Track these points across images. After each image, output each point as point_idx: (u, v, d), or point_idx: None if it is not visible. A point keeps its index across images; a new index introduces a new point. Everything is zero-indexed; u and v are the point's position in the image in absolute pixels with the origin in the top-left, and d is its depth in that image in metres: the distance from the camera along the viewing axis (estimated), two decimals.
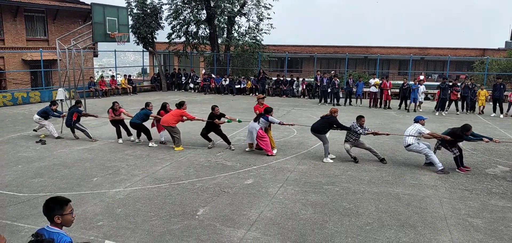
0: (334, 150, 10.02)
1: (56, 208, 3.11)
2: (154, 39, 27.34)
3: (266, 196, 7.07)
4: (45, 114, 11.71)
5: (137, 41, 26.58)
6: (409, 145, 8.94)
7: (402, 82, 19.65)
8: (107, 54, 32.14)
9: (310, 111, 17.99)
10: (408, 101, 18.67)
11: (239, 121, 11.13)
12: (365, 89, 21.97)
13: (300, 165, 9.08)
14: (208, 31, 28.03)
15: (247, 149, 10.42)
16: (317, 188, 7.53)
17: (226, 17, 27.49)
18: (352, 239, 5.50)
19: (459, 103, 18.23)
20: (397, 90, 20.45)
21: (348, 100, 20.63)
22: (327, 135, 9.63)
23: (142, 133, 11.14)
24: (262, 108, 10.63)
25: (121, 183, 7.71)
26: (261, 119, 10.12)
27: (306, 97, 23.71)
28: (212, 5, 26.47)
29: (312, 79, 24.51)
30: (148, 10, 26.02)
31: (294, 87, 24.30)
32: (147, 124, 11.35)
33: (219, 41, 28.72)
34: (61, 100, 15.76)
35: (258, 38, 28.23)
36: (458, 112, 17.85)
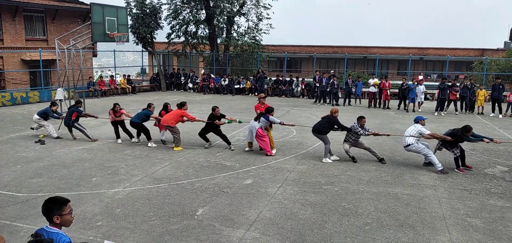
0: (333, 150, 10.01)
1: (55, 208, 3.11)
2: (153, 39, 27.33)
3: (265, 196, 7.07)
4: (45, 115, 11.71)
5: (136, 41, 26.57)
6: (409, 145, 8.95)
7: (401, 82, 19.67)
8: (106, 54, 32.14)
9: (309, 111, 17.99)
10: (407, 101, 18.69)
11: (240, 122, 11.13)
12: (364, 89, 21.98)
13: (299, 165, 9.08)
14: (207, 31, 28.03)
15: (246, 149, 10.42)
16: (316, 188, 7.53)
17: (226, 17, 27.49)
18: (351, 239, 5.51)
19: (458, 103, 18.25)
20: (396, 90, 20.46)
21: (347, 100, 20.64)
22: (328, 135, 9.62)
23: (142, 133, 11.14)
24: (263, 108, 10.63)
25: (120, 183, 7.71)
26: (262, 118, 10.12)
27: (305, 97, 23.71)
28: (211, 5, 26.47)
29: (311, 79, 24.51)
30: (148, 10, 26.01)
31: (293, 87, 24.31)
32: (150, 124, 11.35)
33: (219, 41, 28.72)
34: (60, 100, 15.75)
35: (257, 38, 28.24)
36: (457, 112, 17.87)
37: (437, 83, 23.29)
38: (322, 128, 9.52)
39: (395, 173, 8.61)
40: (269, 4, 27.80)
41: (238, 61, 28.67)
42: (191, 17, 27.35)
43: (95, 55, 27.40)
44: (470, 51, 36.11)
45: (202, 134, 10.62)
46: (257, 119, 10.28)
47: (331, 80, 20.43)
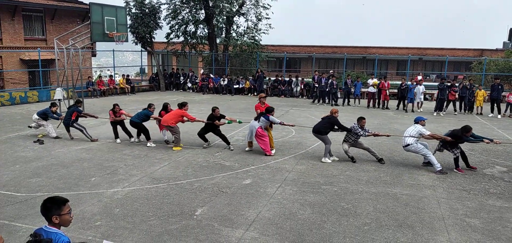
0: (333, 150, 10.01)
1: (54, 208, 3.11)
2: (153, 39, 27.32)
3: (264, 196, 7.07)
4: (44, 116, 11.70)
5: (136, 40, 26.55)
6: (408, 145, 8.96)
7: (400, 82, 19.69)
8: (105, 54, 32.11)
9: (308, 111, 18.00)
10: (406, 102, 18.71)
11: (240, 122, 11.14)
12: (363, 90, 21.99)
13: (299, 165, 9.08)
14: (206, 31, 28.02)
15: (247, 149, 10.42)
16: (315, 188, 7.54)
17: (225, 17, 27.47)
18: (350, 239, 5.51)
19: (457, 103, 18.27)
20: (395, 91, 20.48)
21: (346, 100, 20.65)
22: (328, 135, 9.61)
23: (142, 133, 11.14)
24: (263, 108, 10.63)
25: (119, 183, 7.70)
26: (262, 118, 10.12)
27: (304, 97, 23.71)
28: (210, 5, 26.46)
29: (311, 79, 24.52)
30: (147, 10, 26.00)
31: (293, 86, 24.29)
32: (149, 124, 11.35)
33: (218, 41, 28.71)
34: (59, 99, 15.73)
35: (256, 38, 28.23)
36: (456, 113, 17.90)
37: (436, 83, 23.35)
38: (322, 129, 9.52)
39: (394, 173, 8.61)
40: (268, 4, 27.83)
41: (237, 61, 28.66)
42: (190, 17, 27.33)
43: (94, 55, 27.39)
44: (469, 51, 36.15)
45: (201, 134, 10.62)
46: (257, 119, 10.29)
47: (330, 80, 20.44)
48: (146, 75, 32.82)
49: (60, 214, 3.11)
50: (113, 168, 8.74)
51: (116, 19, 16.26)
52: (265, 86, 24.85)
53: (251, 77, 25.48)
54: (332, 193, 7.31)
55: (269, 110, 10.18)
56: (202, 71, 29.72)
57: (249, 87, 25.16)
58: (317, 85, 21.16)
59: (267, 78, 26.21)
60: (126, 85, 24.93)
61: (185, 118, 10.57)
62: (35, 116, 11.78)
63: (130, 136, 11.35)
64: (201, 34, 28.20)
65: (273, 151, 10.02)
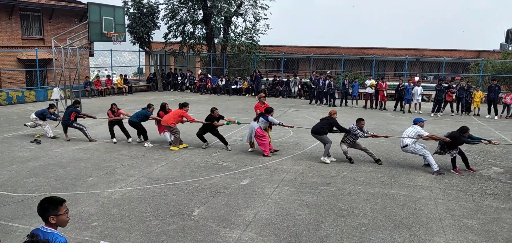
0: (331, 150, 10.02)
1: (50, 208, 3.10)
2: (150, 39, 27.28)
3: (261, 197, 7.08)
4: (42, 116, 11.68)
5: (133, 40, 26.51)
6: (406, 146, 8.98)
7: (397, 83, 19.74)
8: (103, 54, 32.11)
9: (306, 111, 18.01)
10: (403, 102, 18.75)
11: (238, 123, 11.15)
12: (360, 90, 22.03)
13: (296, 166, 9.09)
14: (204, 31, 27.99)
15: (249, 150, 10.40)
16: (313, 189, 7.54)
17: (223, 17, 27.46)
18: (348, 240, 5.52)
19: (454, 104, 18.32)
20: (393, 91, 20.52)
21: (344, 101, 20.68)
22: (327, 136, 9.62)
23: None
24: (263, 108, 10.62)
25: (117, 183, 7.69)
26: (261, 118, 10.11)
27: (302, 97, 23.71)
28: (208, 5, 26.45)
29: (308, 80, 24.53)
30: (145, 10, 25.96)
31: (291, 85, 24.26)
32: (148, 124, 11.34)
33: (216, 41, 28.69)
34: (56, 99, 15.70)
35: (254, 38, 28.23)
36: (453, 114, 17.95)
37: (433, 85, 23.40)
38: (321, 130, 9.53)
39: (392, 174, 8.63)
40: (266, 5, 27.83)
41: (235, 62, 28.65)
42: (188, 17, 27.30)
43: (91, 55, 27.32)
44: (466, 52, 36.26)
45: (200, 134, 10.61)
46: (256, 119, 10.29)
47: (328, 81, 20.46)
48: (144, 75, 32.80)
49: (57, 214, 3.10)
50: (111, 168, 8.72)
51: (114, 19, 16.24)
52: (263, 87, 24.85)
53: (249, 78, 25.48)
54: (329, 193, 7.32)
55: (268, 111, 10.18)
56: (200, 71, 29.70)
57: (247, 87, 25.15)
58: (313, 86, 21.17)
59: (265, 78, 26.21)
60: (124, 85, 24.89)
61: (184, 119, 10.56)
62: (33, 116, 11.75)
63: (128, 136, 11.33)
64: (199, 34, 28.18)
65: (271, 152, 10.00)
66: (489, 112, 17.68)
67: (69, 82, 16.77)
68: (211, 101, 20.90)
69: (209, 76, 26.53)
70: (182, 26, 27.44)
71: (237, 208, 6.54)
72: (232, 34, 28.62)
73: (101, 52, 28.95)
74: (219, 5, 26.32)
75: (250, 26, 28.40)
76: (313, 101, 21.21)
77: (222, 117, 10.60)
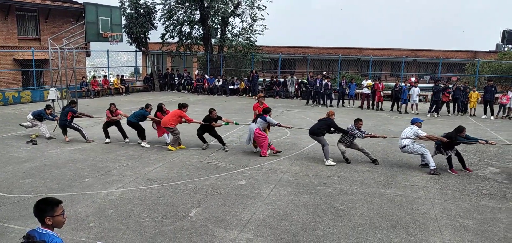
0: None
1: (47, 209, 3.09)
2: (147, 39, 27.23)
3: (259, 197, 7.08)
4: (39, 117, 11.64)
5: (130, 41, 26.45)
6: (405, 146, 9.01)
7: (394, 83, 19.79)
8: (100, 54, 31.98)
9: (303, 112, 18.03)
10: (400, 103, 18.81)
11: (237, 124, 11.13)
12: (357, 91, 22.07)
13: (293, 166, 9.10)
14: (201, 32, 27.98)
15: (254, 150, 10.37)
16: (310, 189, 7.55)
17: (220, 18, 27.47)
18: (344, 240, 5.53)
19: (451, 105, 18.38)
20: (389, 92, 20.58)
21: (340, 101, 20.72)
22: (325, 137, 9.61)
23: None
24: (261, 108, 10.60)
25: (113, 184, 7.67)
26: (259, 119, 10.10)
27: (299, 98, 23.73)
28: (205, 5, 26.44)
29: (305, 80, 24.55)
30: (142, 10, 25.91)
31: (288, 85, 24.25)
32: (146, 125, 11.32)
33: (213, 41, 28.69)
34: (52, 100, 15.64)
35: (251, 39, 28.24)
36: (449, 114, 18.01)
37: (430, 85, 23.48)
38: (318, 131, 9.53)
39: (388, 174, 8.65)
40: (263, 5, 27.85)
41: (232, 62, 28.66)
42: (185, 18, 27.29)
43: (88, 55, 27.24)
44: (463, 53, 36.39)
45: (200, 135, 10.58)
46: (254, 120, 10.28)
47: (324, 82, 20.50)
48: (141, 75, 32.72)
49: (53, 215, 3.09)
50: (107, 169, 8.70)
51: (110, 19, 16.20)
52: (260, 87, 24.85)
53: (246, 78, 25.48)
54: (326, 194, 7.33)
55: (267, 111, 10.16)
56: (197, 71, 29.68)
57: (244, 88, 25.15)
58: (310, 87, 21.19)
59: (262, 79, 26.22)
60: (121, 86, 24.83)
61: (183, 119, 10.55)
62: (30, 116, 11.72)
63: (125, 137, 11.31)
64: (196, 34, 28.18)
65: (268, 152, 9.97)
66: (485, 113, 17.76)
67: (65, 83, 16.72)
68: (208, 101, 20.88)
69: (206, 76, 26.51)
70: (179, 26, 27.42)
71: (234, 209, 6.54)
72: (229, 35, 28.63)
73: (97, 52, 28.86)
74: (216, 5, 26.33)
75: (247, 27, 28.43)
76: (310, 101, 21.23)
77: (220, 118, 10.59)
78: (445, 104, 18.11)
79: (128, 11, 25.61)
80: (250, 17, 28.23)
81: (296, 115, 16.94)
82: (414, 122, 9.22)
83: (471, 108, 18.22)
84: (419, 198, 7.20)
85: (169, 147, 10.44)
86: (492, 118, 17.36)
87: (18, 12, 22.40)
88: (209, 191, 7.37)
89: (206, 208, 6.53)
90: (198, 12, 27.25)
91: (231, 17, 28.24)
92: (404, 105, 18.79)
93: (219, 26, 28.35)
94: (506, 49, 32.29)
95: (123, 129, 11.35)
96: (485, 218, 6.39)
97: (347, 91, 20.78)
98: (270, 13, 29.07)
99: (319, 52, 37.35)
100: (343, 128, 9.56)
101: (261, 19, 28.10)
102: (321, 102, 20.88)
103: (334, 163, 9.24)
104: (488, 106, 17.64)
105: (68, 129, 11.40)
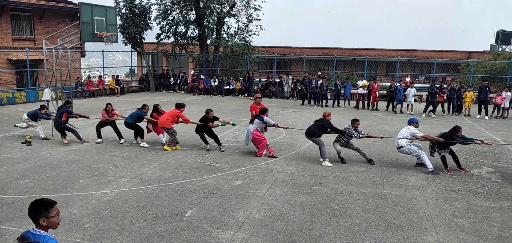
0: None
1: (41, 210, 3.07)
2: (143, 40, 27.16)
3: (254, 197, 7.08)
4: (34, 117, 11.58)
5: (125, 41, 26.37)
6: (401, 147, 9.04)
7: (389, 84, 19.87)
8: (95, 54, 31.84)
9: (299, 112, 18.05)
10: (395, 103, 18.89)
11: (233, 125, 11.11)
12: (353, 91, 22.14)
13: (289, 166, 9.10)
14: (197, 32, 27.94)
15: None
16: (306, 189, 7.56)
17: (215, 18, 27.45)
18: (340, 240, 5.54)
19: (446, 105, 18.48)
20: (385, 92, 20.65)
21: (336, 101, 20.77)
22: (322, 137, 9.62)
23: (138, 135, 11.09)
24: (258, 109, 10.59)
25: (108, 185, 7.64)
26: (256, 120, 10.09)
27: (295, 98, 23.75)
28: (201, 6, 26.41)
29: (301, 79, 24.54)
30: (137, 10, 25.84)
31: (283, 84, 24.24)
32: (143, 126, 11.29)
33: (208, 41, 28.66)
34: (47, 100, 15.56)
35: (247, 39, 28.24)
36: (444, 114, 18.10)
37: (425, 85, 23.57)
38: (315, 132, 9.54)
39: (384, 174, 8.68)
40: (259, 6, 27.86)
41: (228, 62, 28.65)
42: (181, 18, 27.23)
43: (83, 55, 27.11)
44: (457, 53, 36.61)
45: (201, 134, 10.53)
46: (252, 121, 10.26)
47: (320, 82, 20.54)
48: (136, 76, 32.63)
49: (47, 216, 3.08)
50: (102, 169, 8.66)
51: (105, 19, 16.14)
52: (255, 87, 24.85)
53: (242, 78, 25.48)
54: (322, 194, 7.34)
55: (263, 111, 10.15)
56: (192, 72, 29.63)
57: (240, 88, 25.14)
58: (306, 87, 21.20)
59: (258, 79, 26.22)
60: (116, 86, 24.74)
61: (180, 119, 10.53)
62: (25, 116, 11.66)
63: (120, 137, 11.28)
64: (191, 35, 28.13)
65: (264, 152, 9.96)
66: (479, 112, 17.87)
67: (60, 83, 16.63)
68: (204, 101, 20.86)
69: (202, 76, 26.48)
70: (174, 26, 27.36)
71: (230, 209, 6.53)
72: (224, 35, 28.62)
73: (92, 52, 28.73)
74: (211, 5, 26.30)
75: (243, 27, 28.42)
76: (306, 102, 21.26)
77: (217, 119, 10.57)
78: (439, 104, 18.20)
79: (123, 11, 25.53)
80: (246, 18, 28.24)
81: (292, 115, 16.96)
82: (411, 122, 9.25)
83: (465, 108, 18.33)
84: (414, 198, 7.22)
85: (165, 147, 10.42)
86: (486, 118, 17.47)
87: (12, 12, 22.25)
88: (205, 191, 7.36)
89: (202, 209, 6.53)
90: (193, 12, 27.21)
91: (227, 17, 28.22)
92: (399, 105, 18.87)
93: (214, 26, 28.34)
94: (500, 49, 32.53)
95: (119, 130, 11.32)
96: (479, 217, 6.43)
97: (342, 91, 20.83)
98: (268, 13, 29.00)
99: (314, 52, 37.43)
100: (339, 129, 9.57)
101: (257, 19, 28.13)
102: (317, 102, 20.92)
103: (331, 164, 9.24)
104: (483, 106, 17.75)
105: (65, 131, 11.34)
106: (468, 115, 18.16)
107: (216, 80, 25.56)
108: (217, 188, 7.55)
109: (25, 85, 22.06)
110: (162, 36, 27.46)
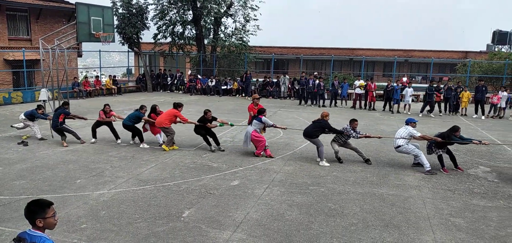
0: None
1: (38, 211, 3.06)
2: (140, 40, 27.12)
3: (252, 198, 7.08)
4: (31, 116, 11.54)
5: (122, 41, 26.33)
6: (399, 146, 9.06)
7: (386, 84, 19.90)
8: (92, 54, 31.81)
9: (296, 112, 18.07)
10: (392, 103, 18.93)
11: (231, 125, 11.10)
12: (350, 91, 22.18)
13: (286, 166, 9.11)
14: (194, 32, 27.93)
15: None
16: (303, 189, 7.57)
17: (213, 18, 27.43)
18: (337, 239, 5.55)
19: (442, 104, 18.53)
20: (382, 92, 20.70)
21: (333, 101, 20.80)
22: (319, 138, 9.62)
23: (136, 136, 11.06)
24: (256, 109, 10.57)
25: (105, 185, 7.62)
26: (254, 121, 10.08)
27: (292, 98, 23.76)
28: (198, 6, 26.39)
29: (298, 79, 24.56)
30: (134, 10, 25.80)
31: (280, 84, 24.25)
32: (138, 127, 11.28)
33: (206, 41, 28.64)
34: (44, 100, 15.51)
35: (244, 39, 28.24)
36: (441, 114, 18.16)
37: (422, 85, 23.62)
38: (313, 133, 9.54)
39: (381, 173, 8.70)
40: (256, 6, 27.86)
41: (225, 62, 28.64)
42: (178, 18, 27.21)
43: (80, 55, 27.05)
44: (454, 53, 36.72)
45: (204, 135, 10.49)
46: (250, 123, 10.25)
47: (318, 82, 20.57)
48: (133, 76, 32.56)
49: (44, 217, 3.06)
50: (99, 170, 8.64)
51: (102, 19, 16.12)
52: (253, 87, 24.84)
53: (239, 78, 25.48)
54: (319, 193, 7.35)
55: (261, 111, 10.12)
56: (189, 72, 29.60)
57: (237, 88, 25.13)
58: (303, 87, 21.22)
59: (255, 79, 26.22)
60: (113, 86, 24.69)
61: (177, 119, 10.51)
62: (22, 116, 11.62)
63: (117, 137, 11.25)
64: (188, 35, 28.11)
65: (262, 152, 9.95)
66: (476, 112, 17.93)
67: (57, 83, 16.58)
68: (201, 102, 20.85)
69: (199, 76, 26.46)
70: (171, 26, 27.35)
71: (227, 209, 6.53)
72: (222, 35, 28.61)
73: (89, 52, 28.69)
74: (209, 5, 26.29)
75: (240, 27, 28.42)
76: (303, 101, 21.28)
77: (215, 119, 10.56)
78: (436, 104, 18.25)
79: (120, 11, 25.50)
80: (243, 18, 28.24)
81: (289, 115, 16.96)
82: (408, 122, 9.28)
83: (462, 108, 18.39)
84: (411, 198, 7.24)
85: (163, 147, 10.40)
86: (483, 117, 17.54)
87: (8, 12, 22.16)
88: (202, 191, 7.35)
89: (199, 209, 6.52)
90: (190, 12, 27.19)
91: (224, 17, 28.21)
92: (396, 105, 18.92)
93: (212, 26, 28.31)
94: (496, 49, 32.63)
95: (115, 130, 11.30)
96: (476, 216, 6.45)
97: (339, 91, 20.86)
98: (265, 13, 29.09)
99: (312, 52, 37.46)
100: (337, 129, 9.58)
101: (254, 19, 28.14)
102: (314, 102, 20.95)
103: (328, 164, 9.25)
104: (479, 106, 17.82)
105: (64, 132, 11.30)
106: (465, 115, 18.22)
107: (214, 80, 25.54)
108: (214, 188, 7.55)
109: (22, 85, 21.99)
110: (159, 36, 27.45)
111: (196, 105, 18.90)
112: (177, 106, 10.58)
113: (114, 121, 11.42)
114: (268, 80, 25.13)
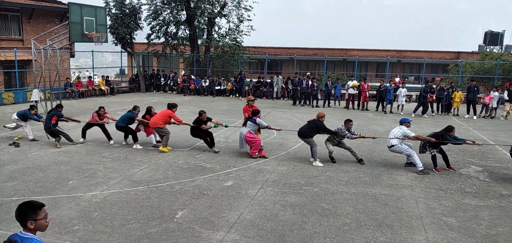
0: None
1: (29, 212, 3.03)
2: (133, 40, 27.00)
3: (245, 198, 7.07)
4: (24, 117, 11.45)
5: (115, 41, 26.19)
6: (393, 146, 9.11)
7: (379, 84, 20.00)
8: (84, 55, 31.62)
9: (290, 112, 18.09)
10: (385, 103, 19.04)
11: (226, 126, 11.09)
12: (343, 91, 22.26)
13: (280, 167, 9.12)
14: (187, 32, 27.87)
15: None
16: (296, 189, 7.58)
17: (206, 18, 27.39)
18: (331, 239, 5.56)
19: (435, 105, 18.66)
20: (375, 92, 20.80)
21: (326, 101, 20.87)
22: (314, 138, 9.64)
23: (129, 135, 11.01)
24: (251, 111, 10.57)
25: (98, 186, 7.58)
26: (249, 122, 10.07)
27: (286, 98, 23.79)
28: (192, 6, 26.34)
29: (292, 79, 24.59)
30: (127, 10, 25.68)
31: (274, 84, 24.26)
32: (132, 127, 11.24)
33: (199, 42, 28.59)
34: (36, 101, 15.39)
35: (238, 39, 28.22)
36: (433, 114, 18.28)
37: (415, 86, 23.77)
38: (307, 133, 9.56)
39: (374, 173, 8.74)
40: (250, 6, 27.86)
41: (219, 63, 28.61)
42: (171, 18, 27.13)
43: (72, 56, 26.89)
44: (446, 54, 37.00)
45: (204, 137, 10.46)
46: (245, 124, 10.25)
47: (311, 82, 20.62)
48: (126, 76, 32.43)
49: (35, 219, 3.04)
50: (92, 171, 8.59)
51: (95, 20, 16.04)
52: (246, 88, 24.84)
53: (233, 79, 25.46)
54: (312, 193, 7.37)
55: (255, 113, 10.11)
56: (183, 72, 29.52)
57: (231, 88, 25.11)
58: (297, 88, 21.25)
59: (249, 79, 26.22)
60: (106, 86, 24.56)
61: (172, 120, 10.48)
62: (15, 116, 11.53)
63: (110, 138, 11.20)
64: (182, 35, 28.04)
65: (256, 153, 9.94)
66: (468, 112, 18.08)
67: (49, 84, 16.45)
68: (195, 102, 20.81)
69: (193, 77, 26.40)
70: (165, 27, 27.26)
71: (221, 210, 6.52)
72: (215, 35, 28.57)
73: (82, 53, 28.50)
74: (202, 6, 26.25)
75: (234, 27, 28.40)
76: (297, 102, 21.33)
77: (210, 120, 10.55)
78: (429, 104, 18.37)
79: (113, 11, 25.37)
80: (237, 18, 28.21)
81: (283, 116, 16.98)
82: (402, 122, 9.33)
83: (454, 108, 18.53)
84: (403, 197, 7.29)
85: (161, 148, 10.34)
86: (474, 117, 17.69)
87: (0, 11, 21.96)
88: (196, 192, 7.34)
89: (193, 210, 6.51)
90: (184, 12, 27.13)
91: (218, 17, 28.18)
92: (389, 105, 19.02)
93: (205, 27, 28.26)
94: (488, 50, 32.93)
95: (107, 131, 11.24)
96: (468, 216, 6.50)
97: (333, 92, 20.93)
98: (259, 14, 29.20)
99: (305, 53, 37.55)
100: (332, 130, 9.61)
101: (248, 19, 28.13)
102: (307, 102, 21.00)
103: (321, 164, 9.27)
104: (471, 106, 17.97)
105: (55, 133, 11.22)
106: (457, 115, 18.36)
107: (207, 80, 25.50)
108: (208, 189, 7.54)
109: (13, 86, 21.80)
110: (152, 36, 27.34)
111: (189, 106, 18.86)
112: (171, 106, 10.55)
113: (107, 123, 11.36)
114: (262, 80, 25.14)
